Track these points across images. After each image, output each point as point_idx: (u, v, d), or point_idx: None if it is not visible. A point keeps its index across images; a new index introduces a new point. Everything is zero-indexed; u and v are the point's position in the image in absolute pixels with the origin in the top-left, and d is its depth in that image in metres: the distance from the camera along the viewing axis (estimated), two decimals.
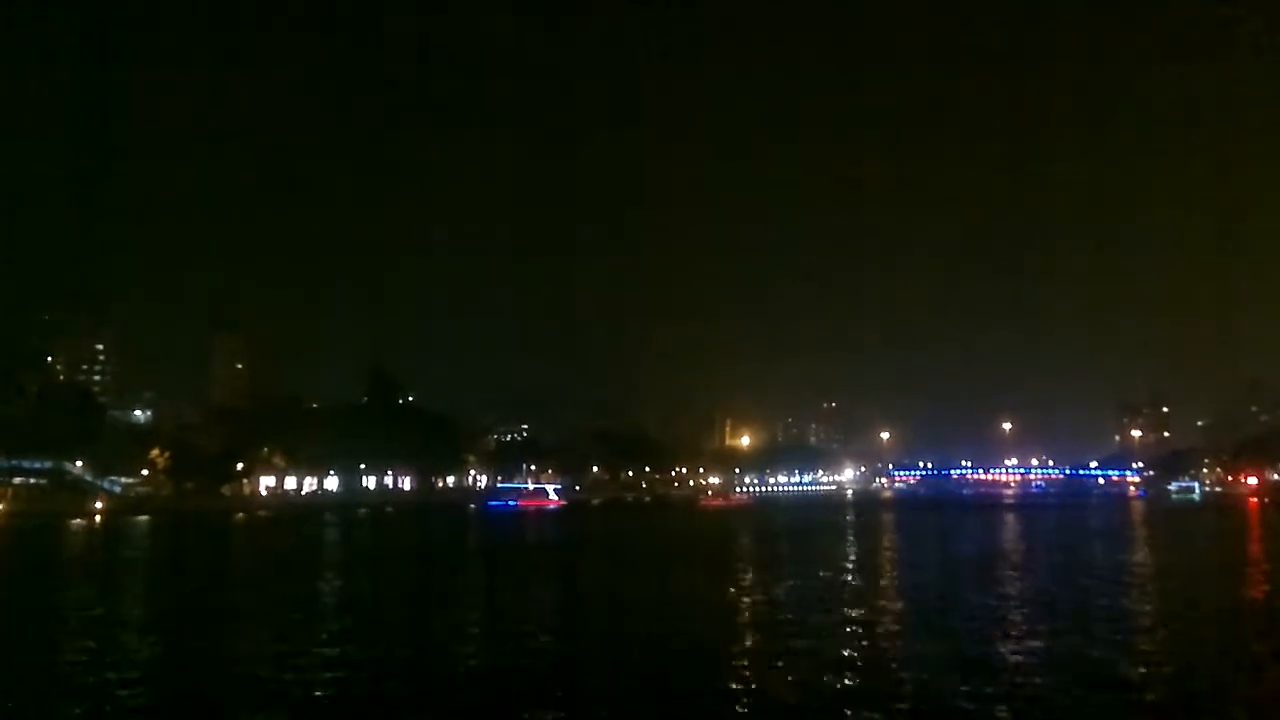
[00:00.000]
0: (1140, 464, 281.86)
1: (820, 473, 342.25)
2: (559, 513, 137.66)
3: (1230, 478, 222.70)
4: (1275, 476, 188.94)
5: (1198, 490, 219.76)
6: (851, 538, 78.56)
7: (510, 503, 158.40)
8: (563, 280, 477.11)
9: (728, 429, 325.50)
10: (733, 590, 41.46)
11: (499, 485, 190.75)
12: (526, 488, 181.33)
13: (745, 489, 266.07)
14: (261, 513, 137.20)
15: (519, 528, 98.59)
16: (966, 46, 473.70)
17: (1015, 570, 50.06)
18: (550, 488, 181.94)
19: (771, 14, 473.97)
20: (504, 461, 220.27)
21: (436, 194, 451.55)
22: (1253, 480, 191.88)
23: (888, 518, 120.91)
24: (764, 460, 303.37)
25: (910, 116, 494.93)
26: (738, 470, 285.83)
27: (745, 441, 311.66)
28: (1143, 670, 24.12)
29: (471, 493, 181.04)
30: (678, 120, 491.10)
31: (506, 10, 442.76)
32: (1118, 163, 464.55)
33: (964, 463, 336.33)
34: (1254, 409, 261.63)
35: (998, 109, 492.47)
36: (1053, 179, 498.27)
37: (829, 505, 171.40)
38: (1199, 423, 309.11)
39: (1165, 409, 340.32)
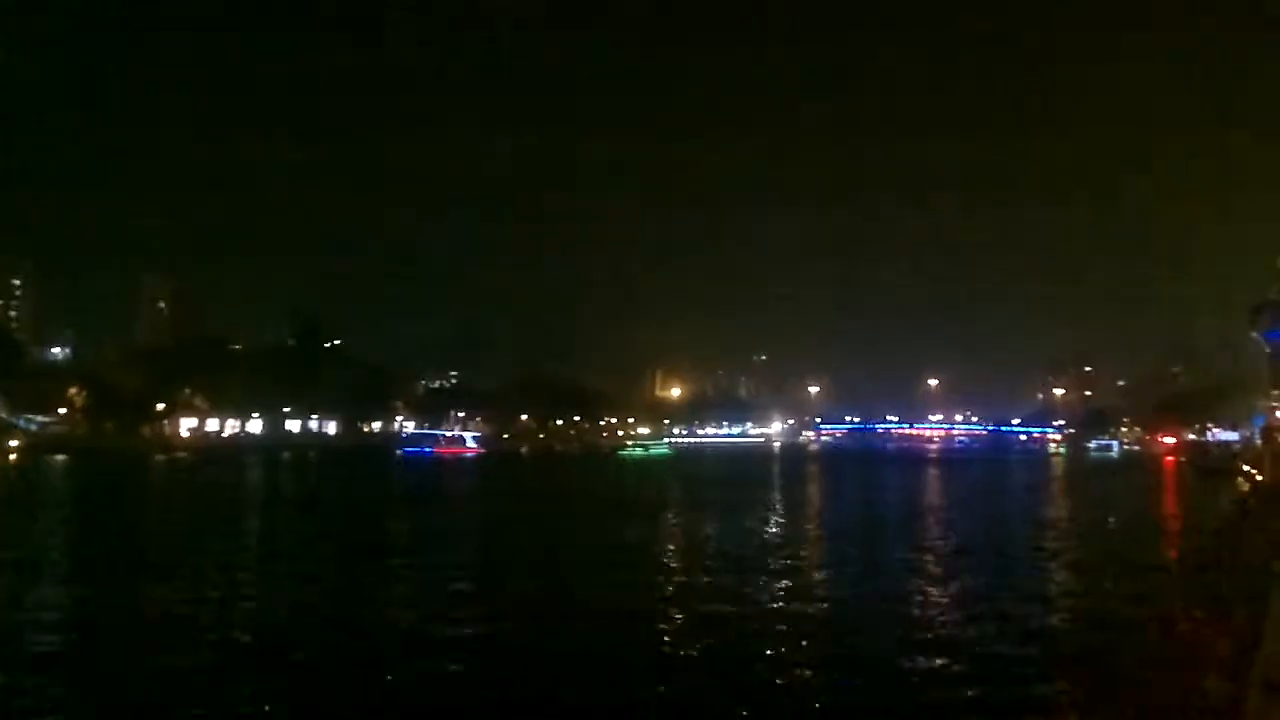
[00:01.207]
0: (1062, 422, 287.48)
1: (749, 425, 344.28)
2: (475, 461, 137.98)
3: (1148, 436, 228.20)
4: (1190, 436, 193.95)
5: (1116, 448, 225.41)
6: (778, 493, 78.89)
7: (426, 449, 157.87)
8: (505, 232, 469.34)
9: (658, 380, 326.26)
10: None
11: (414, 432, 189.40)
12: (443, 435, 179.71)
13: (673, 438, 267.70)
14: (181, 454, 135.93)
15: (428, 475, 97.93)
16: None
17: (934, 524, 50.76)
18: (468, 435, 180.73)
19: None
20: (432, 409, 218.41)
21: (380, 131, 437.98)
22: (1169, 439, 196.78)
23: (812, 470, 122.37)
24: (693, 411, 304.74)
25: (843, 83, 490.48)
26: (667, 421, 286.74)
27: (675, 393, 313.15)
28: (1053, 621, 24.56)
29: (396, 439, 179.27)
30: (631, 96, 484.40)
31: None
32: (1046, 133, 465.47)
33: (890, 418, 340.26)
34: (1173, 370, 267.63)
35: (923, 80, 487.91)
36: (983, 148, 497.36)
37: (754, 457, 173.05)
38: (1120, 383, 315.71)
39: (1088, 369, 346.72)
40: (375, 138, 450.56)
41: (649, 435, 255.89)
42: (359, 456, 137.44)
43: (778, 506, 61.73)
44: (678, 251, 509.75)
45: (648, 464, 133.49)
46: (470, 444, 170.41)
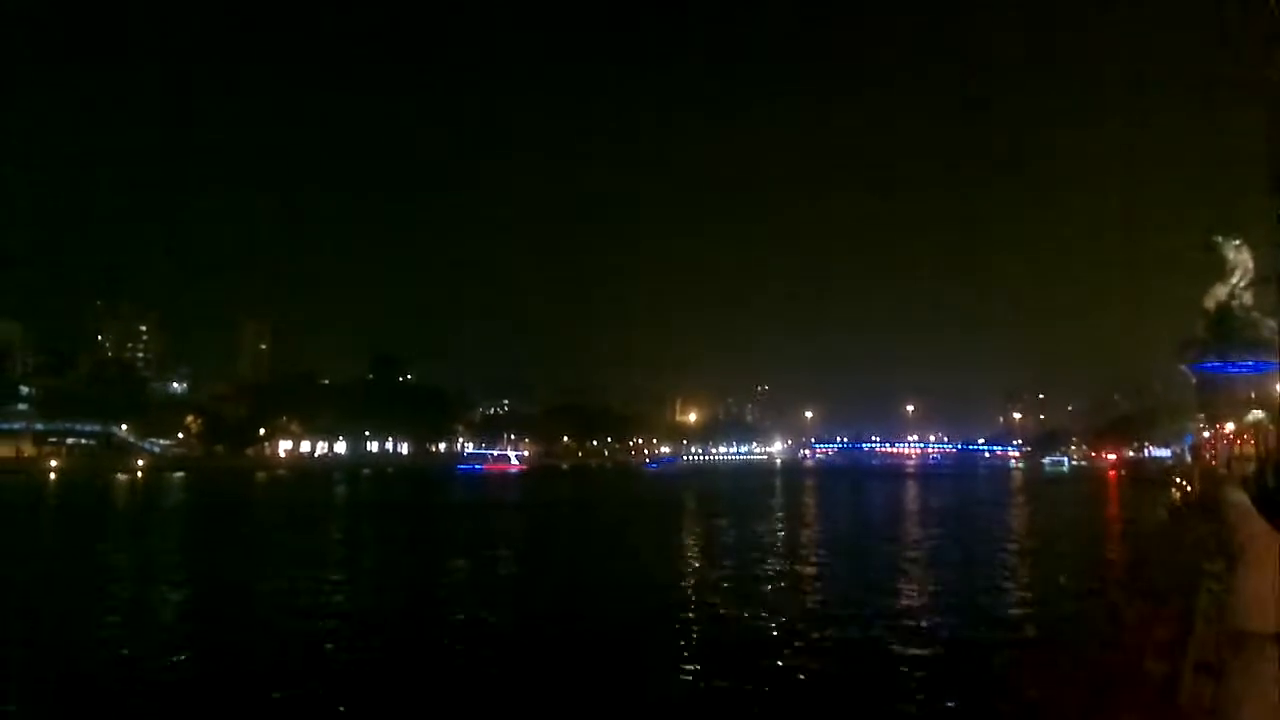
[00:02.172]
0: (1020, 441, 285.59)
1: (754, 445, 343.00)
2: (518, 475, 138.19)
3: (1094, 453, 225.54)
4: (1129, 453, 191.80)
5: (1067, 463, 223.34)
6: (779, 498, 78.52)
7: (477, 466, 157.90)
8: (553, 284, 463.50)
9: (678, 406, 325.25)
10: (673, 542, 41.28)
11: (468, 451, 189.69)
12: (491, 453, 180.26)
13: (691, 456, 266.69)
14: (280, 472, 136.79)
15: (480, 487, 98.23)
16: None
17: (912, 527, 50.49)
18: (512, 453, 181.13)
19: None
20: (488, 431, 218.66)
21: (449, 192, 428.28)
22: (1111, 456, 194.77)
23: (809, 482, 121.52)
24: (708, 433, 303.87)
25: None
26: (685, 441, 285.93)
27: (692, 417, 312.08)
28: (1015, 611, 24.43)
29: (458, 457, 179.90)
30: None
31: None
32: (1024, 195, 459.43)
33: (874, 438, 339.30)
34: (1116, 397, 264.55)
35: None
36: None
37: (761, 471, 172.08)
38: (1069, 407, 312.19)
39: (1042, 395, 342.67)
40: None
41: (670, 454, 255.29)
42: (425, 472, 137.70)
43: (782, 512, 61.38)
44: (697, 300, 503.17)
45: (669, 477, 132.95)
46: (514, 461, 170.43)
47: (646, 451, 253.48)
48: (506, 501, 76.60)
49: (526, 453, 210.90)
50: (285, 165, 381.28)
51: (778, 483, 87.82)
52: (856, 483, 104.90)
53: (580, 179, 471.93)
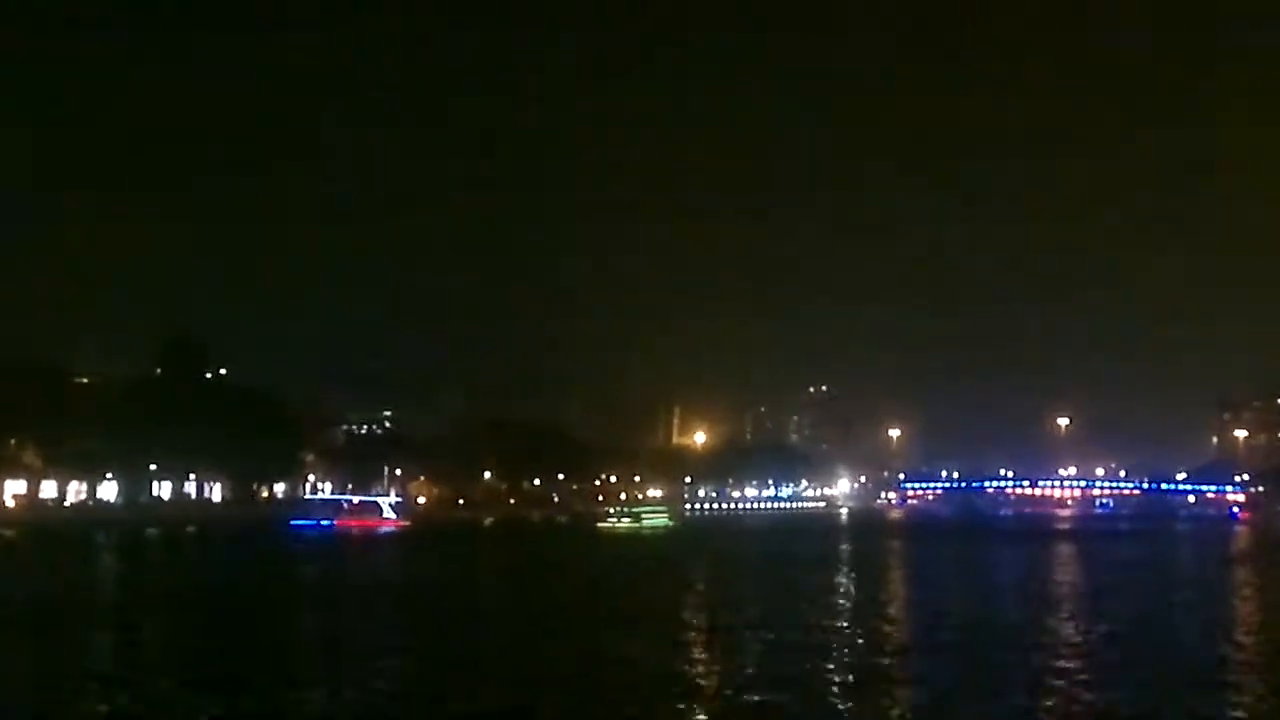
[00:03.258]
0: (1244, 476, 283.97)
1: (805, 484, 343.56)
2: (392, 538, 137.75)
3: None
4: None
5: None
6: (843, 591, 76.23)
7: (323, 522, 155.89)
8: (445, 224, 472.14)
9: (675, 422, 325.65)
10: None
11: (309, 498, 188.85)
12: (345, 501, 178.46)
13: (698, 504, 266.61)
14: (6, 533, 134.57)
15: (324, 562, 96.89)
16: None
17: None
18: (386, 501, 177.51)
19: None
20: (357, 461, 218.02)
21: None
22: None
23: (894, 546, 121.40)
24: (726, 465, 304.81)
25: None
26: (689, 479, 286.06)
27: (700, 439, 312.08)
28: None
29: (308, 505, 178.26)
30: None
31: None
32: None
33: (1003, 472, 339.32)
34: None
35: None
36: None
37: (813, 530, 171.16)
38: None
39: None
40: None
41: (663, 499, 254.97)
42: (245, 532, 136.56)
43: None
44: (697, 246, 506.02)
45: (636, 543, 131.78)
46: (388, 513, 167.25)
47: (625, 496, 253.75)
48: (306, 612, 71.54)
49: (421, 498, 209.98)
50: None
51: (842, 571, 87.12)
52: (986, 560, 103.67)
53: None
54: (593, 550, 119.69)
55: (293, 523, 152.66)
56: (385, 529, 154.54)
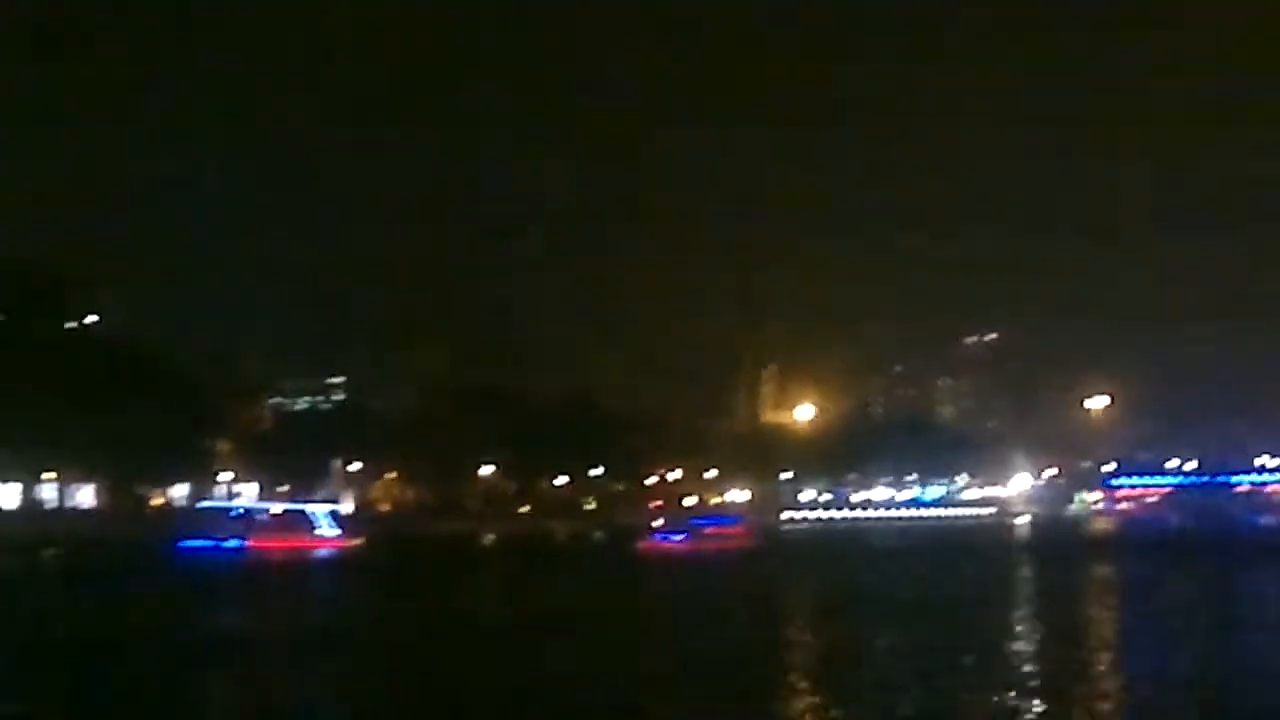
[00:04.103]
0: None
1: (963, 480, 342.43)
2: (336, 565, 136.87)
3: None
4: None
5: None
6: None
7: (225, 543, 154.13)
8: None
9: (767, 391, 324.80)
10: None
11: (201, 506, 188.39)
12: (263, 512, 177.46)
13: (801, 508, 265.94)
14: None
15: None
16: None
17: None
18: (321, 510, 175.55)
19: None
20: (294, 451, 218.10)
21: None
22: None
23: (1103, 576, 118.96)
24: (845, 454, 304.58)
25: None
26: (787, 475, 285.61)
27: (805, 416, 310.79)
28: None
29: (205, 518, 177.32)
30: None
31: None
32: None
33: (1261, 461, 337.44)
34: None
35: None
36: None
37: (973, 551, 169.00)
38: None
39: None
40: None
41: (750, 504, 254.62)
42: (123, 561, 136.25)
43: None
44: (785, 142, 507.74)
45: (695, 577, 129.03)
46: (326, 528, 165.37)
47: (691, 499, 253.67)
48: None
49: (384, 505, 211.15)
50: None
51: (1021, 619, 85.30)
52: (1255, 600, 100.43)
53: None
54: (626, 590, 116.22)
55: (181, 544, 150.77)
56: (321, 551, 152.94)
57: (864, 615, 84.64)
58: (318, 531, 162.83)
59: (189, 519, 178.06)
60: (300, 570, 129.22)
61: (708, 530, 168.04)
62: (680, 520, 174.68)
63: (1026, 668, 59.57)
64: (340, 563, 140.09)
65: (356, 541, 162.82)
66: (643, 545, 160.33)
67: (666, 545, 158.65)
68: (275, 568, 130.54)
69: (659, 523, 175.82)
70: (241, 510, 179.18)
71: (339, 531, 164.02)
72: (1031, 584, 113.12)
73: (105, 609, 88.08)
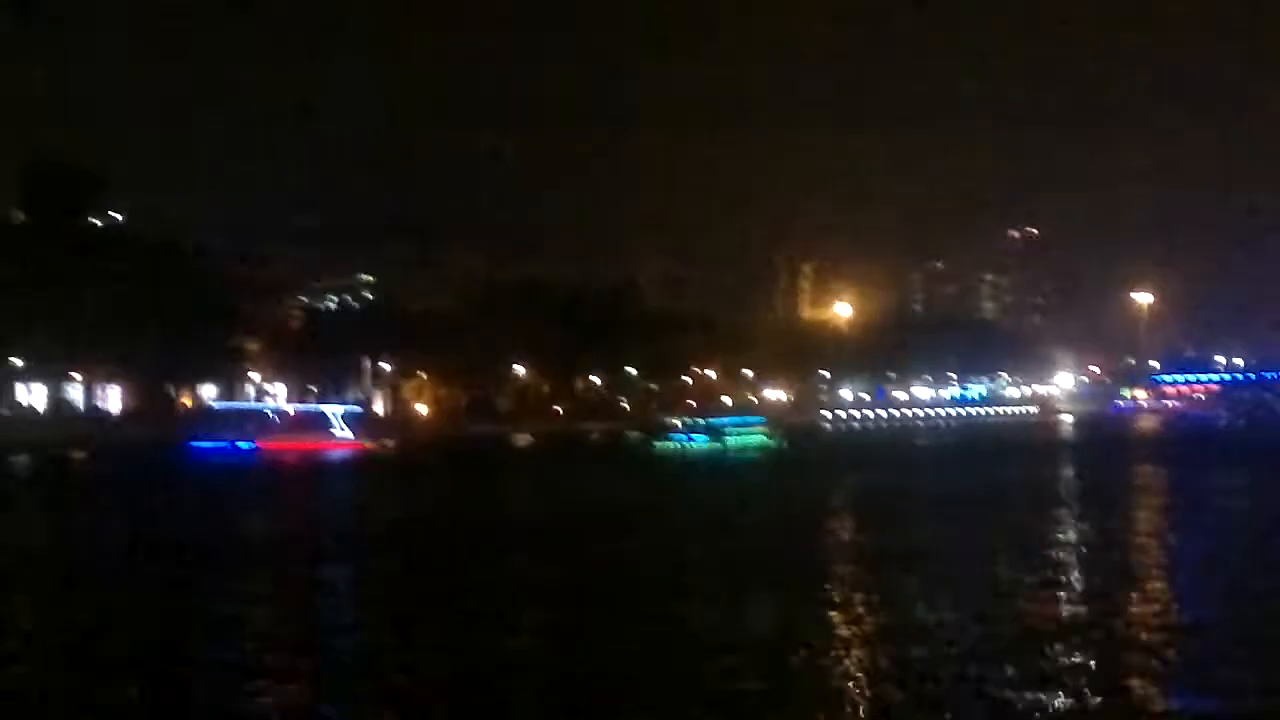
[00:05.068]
0: None
1: (1006, 378, 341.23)
2: (351, 467, 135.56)
3: None
4: None
5: None
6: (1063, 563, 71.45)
7: (238, 443, 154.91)
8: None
9: (806, 287, 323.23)
10: None
11: (222, 406, 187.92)
12: (278, 412, 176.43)
13: (840, 408, 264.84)
14: None
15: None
16: None
17: None
18: (335, 411, 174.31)
19: None
20: (324, 351, 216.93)
21: None
22: None
23: (1149, 479, 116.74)
24: (885, 352, 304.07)
25: None
26: (827, 374, 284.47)
27: (844, 313, 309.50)
28: None
29: (217, 418, 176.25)
30: None
31: None
32: None
33: None
34: None
35: None
36: None
37: (1013, 447, 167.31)
38: None
39: None
40: None
41: (798, 403, 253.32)
42: (143, 460, 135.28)
43: None
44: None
45: (716, 480, 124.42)
46: (339, 431, 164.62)
47: (727, 398, 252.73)
48: None
49: (420, 405, 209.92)
50: None
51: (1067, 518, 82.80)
52: None
53: None
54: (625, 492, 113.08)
55: (193, 444, 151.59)
56: (336, 453, 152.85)
57: (870, 522, 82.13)
58: (333, 433, 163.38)
59: (202, 420, 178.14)
60: (309, 472, 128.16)
61: (730, 431, 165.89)
62: (701, 420, 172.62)
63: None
64: (355, 464, 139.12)
65: (373, 444, 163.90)
66: (662, 446, 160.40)
67: (686, 446, 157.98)
68: (285, 468, 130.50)
69: (676, 423, 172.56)
70: (255, 411, 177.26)
71: (351, 433, 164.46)
72: (1073, 489, 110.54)
73: (106, 517, 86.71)
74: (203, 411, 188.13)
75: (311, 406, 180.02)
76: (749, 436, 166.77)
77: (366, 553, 66.61)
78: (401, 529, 77.87)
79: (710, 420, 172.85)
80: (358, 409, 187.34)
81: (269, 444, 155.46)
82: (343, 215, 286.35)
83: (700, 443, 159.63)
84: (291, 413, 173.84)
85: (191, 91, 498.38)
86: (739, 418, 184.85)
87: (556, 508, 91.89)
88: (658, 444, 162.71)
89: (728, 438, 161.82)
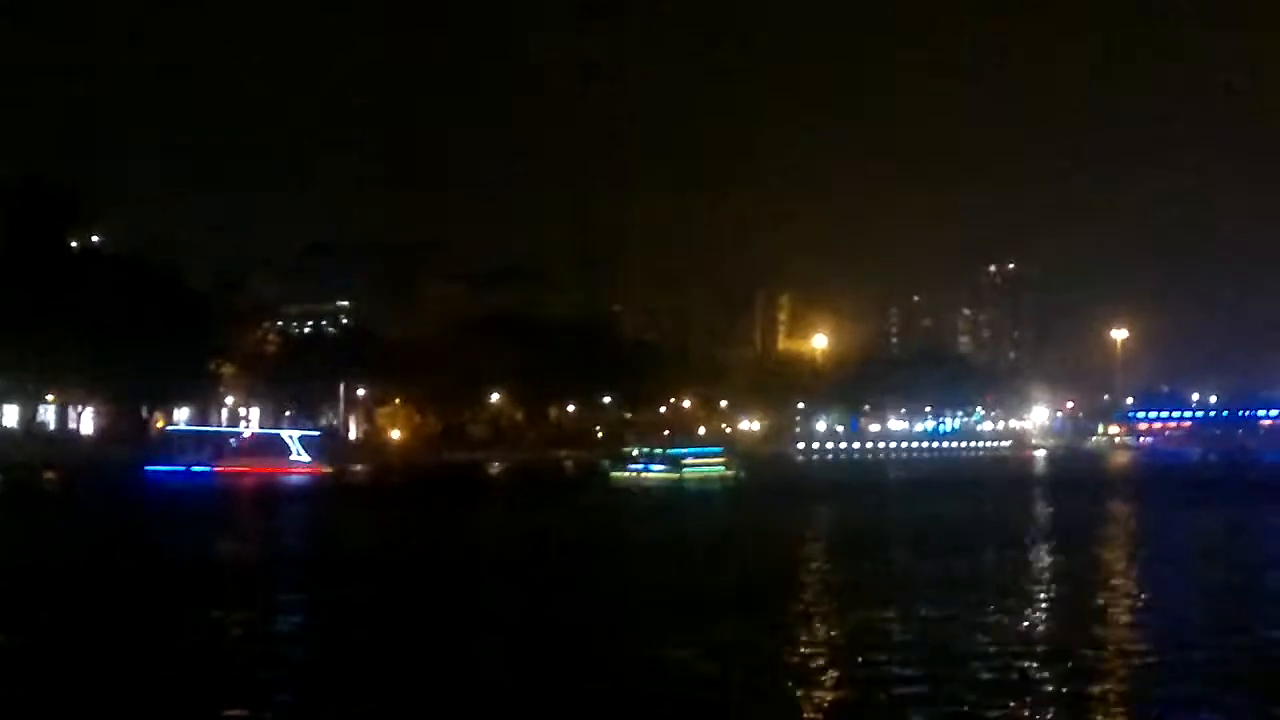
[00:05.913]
0: None
1: (981, 412, 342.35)
2: (306, 493, 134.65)
3: None
4: None
5: None
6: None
7: (193, 468, 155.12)
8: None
9: (784, 319, 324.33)
10: None
11: (175, 429, 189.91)
12: (235, 436, 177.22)
13: (815, 439, 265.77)
14: None
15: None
16: None
17: None
18: (292, 435, 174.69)
19: None
20: (299, 375, 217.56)
21: None
22: None
23: (1121, 513, 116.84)
24: (861, 385, 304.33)
25: None
26: (801, 405, 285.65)
27: (820, 345, 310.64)
28: None
29: (174, 442, 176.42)
30: None
31: None
32: None
33: None
34: None
35: None
36: None
37: (986, 484, 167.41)
38: None
39: None
40: None
41: (771, 434, 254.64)
42: (98, 485, 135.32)
43: None
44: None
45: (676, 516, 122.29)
46: (296, 454, 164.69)
47: (703, 429, 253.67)
48: None
49: (394, 431, 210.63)
50: None
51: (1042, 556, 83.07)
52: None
53: None
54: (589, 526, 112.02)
55: (147, 468, 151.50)
56: (294, 477, 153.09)
57: (822, 553, 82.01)
58: (292, 457, 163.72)
59: (159, 444, 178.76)
60: (264, 498, 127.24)
61: (687, 461, 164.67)
62: (660, 451, 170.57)
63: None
64: (310, 489, 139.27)
65: (324, 468, 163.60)
66: (618, 476, 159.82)
67: (642, 476, 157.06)
68: (241, 493, 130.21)
69: (634, 453, 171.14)
70: (213, 434, 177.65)
71: (308, 458, 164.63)
72: (1046, 522, 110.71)
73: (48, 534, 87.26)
74: (160, 435, 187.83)
75: (270, 431, 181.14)
76: (706, 467, 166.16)
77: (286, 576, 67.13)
78: (332, 554, 78.57)
79: (668, 450, 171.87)
80: (316, 434, 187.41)
81: (225, 468, 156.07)
82: (321, 241, 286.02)
83: (657, 472, 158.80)
84: (249, 436, 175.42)
85: (170, 112, 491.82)
86: (698, 449, 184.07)
87: (482, 539, 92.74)
88: (614, 473, 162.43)
89: (685, 468, 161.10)
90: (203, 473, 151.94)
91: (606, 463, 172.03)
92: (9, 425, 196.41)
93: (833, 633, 49.84)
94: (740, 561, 74.62)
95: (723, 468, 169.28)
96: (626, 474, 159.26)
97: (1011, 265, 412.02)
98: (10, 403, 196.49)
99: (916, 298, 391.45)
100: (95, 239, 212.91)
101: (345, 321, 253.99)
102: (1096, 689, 39.00)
